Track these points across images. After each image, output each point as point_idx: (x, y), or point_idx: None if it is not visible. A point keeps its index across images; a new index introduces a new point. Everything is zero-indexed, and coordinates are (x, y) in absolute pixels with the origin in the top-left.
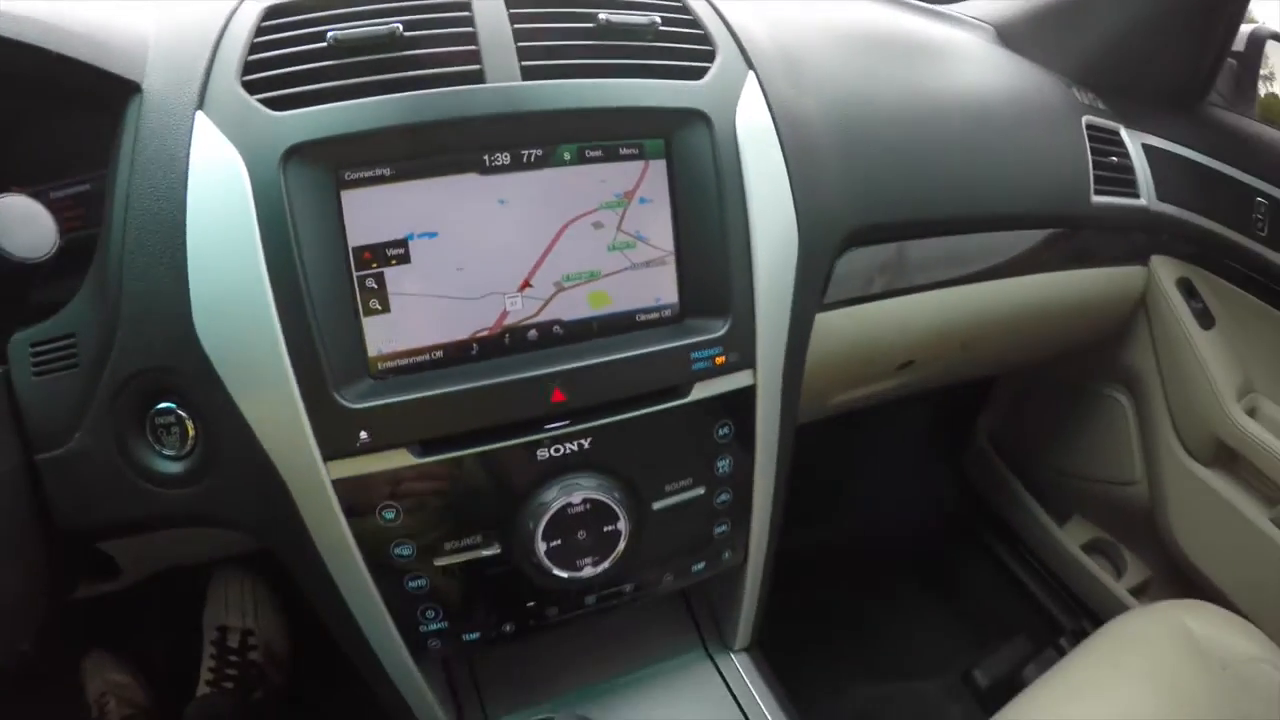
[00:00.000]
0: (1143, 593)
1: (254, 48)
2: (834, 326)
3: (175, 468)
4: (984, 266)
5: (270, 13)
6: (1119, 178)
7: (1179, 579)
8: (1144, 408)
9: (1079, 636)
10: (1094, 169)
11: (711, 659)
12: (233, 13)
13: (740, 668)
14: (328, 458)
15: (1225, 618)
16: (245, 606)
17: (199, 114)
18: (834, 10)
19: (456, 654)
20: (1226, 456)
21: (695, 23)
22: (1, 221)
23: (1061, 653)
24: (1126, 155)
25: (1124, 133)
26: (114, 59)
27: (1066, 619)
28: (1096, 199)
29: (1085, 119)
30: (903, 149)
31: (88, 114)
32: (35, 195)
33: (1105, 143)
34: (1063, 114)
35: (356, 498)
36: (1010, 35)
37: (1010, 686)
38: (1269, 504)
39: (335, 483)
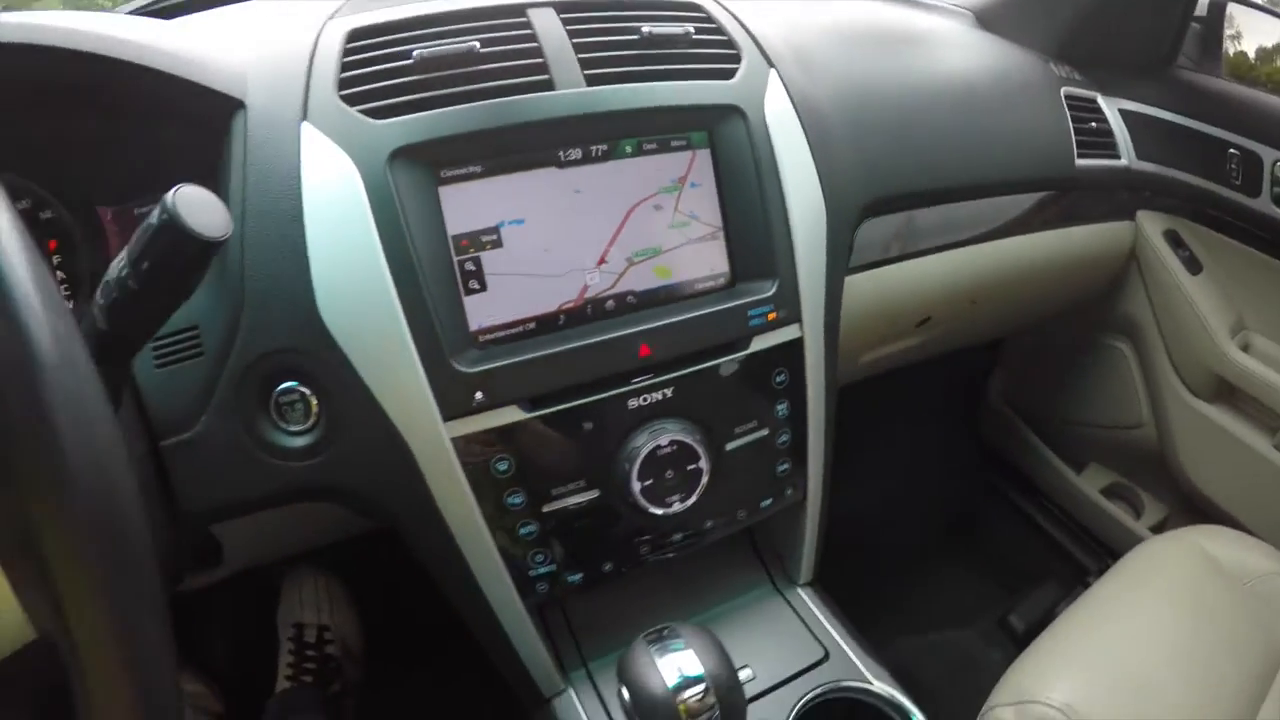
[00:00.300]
0: (1162, 529)
1: (345, 66)
2: (859, 289)
3: (300, 441)
4: (985, 229)
5: (353, 35)
6: (1099, 141)
7: (1194, 512)
8: (1144, 353)
9: None
10: (1075, 135)
11: (780, 593)
12: (319, 36)
13: (807, 599)
14: (447, 418)
15: (1240, 539)
16: (320, 603)
17: (305, 124)
18: (831, 11)
19: (560, 596)
20: (1226, 391)
21: (720, 30)
22: (189, 206)
23: None
24: (1105, 120)
25: (1101, 100)
26: (219, 79)
27: (1091, 561)
28: (1080, 162)
29: (1064, 90)
30: (904, 129)
31: (178, 135)
32: (119, 214)
33: (1084, 110)
34: (1043, 87)
35: (473, 453)
36: (988, 19)
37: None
38: (1270, 432)
39: (454, 440)
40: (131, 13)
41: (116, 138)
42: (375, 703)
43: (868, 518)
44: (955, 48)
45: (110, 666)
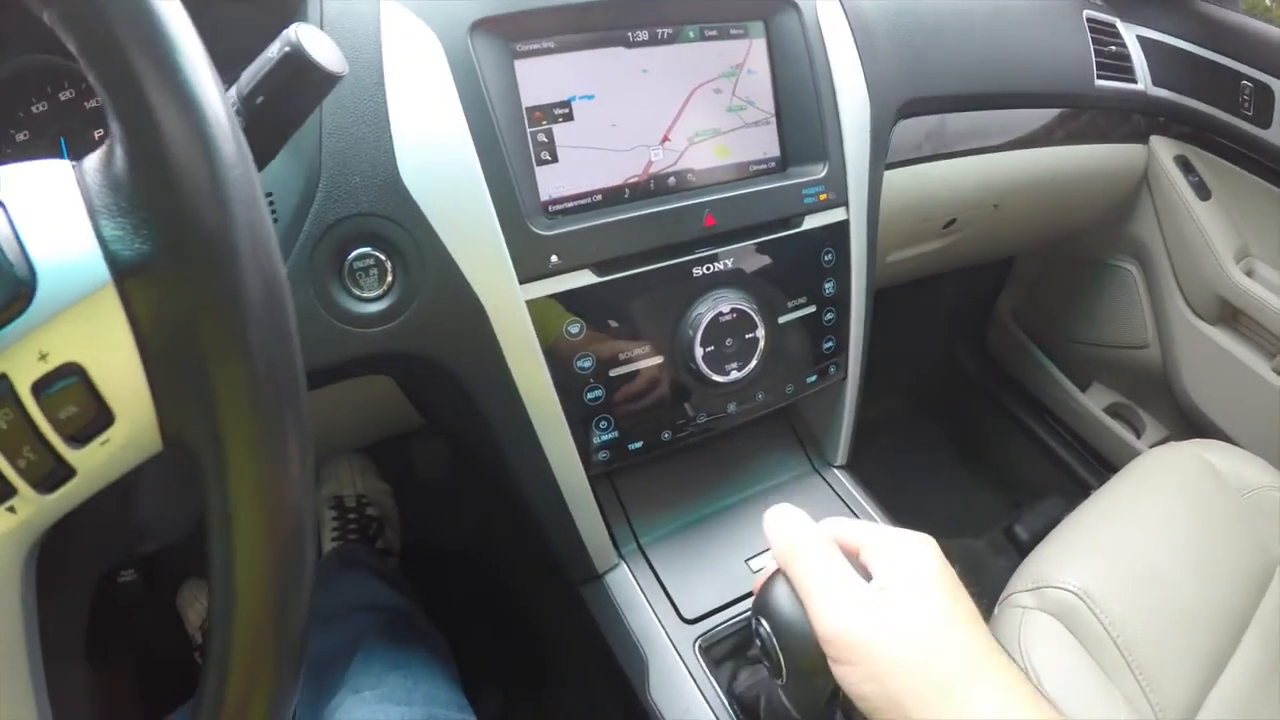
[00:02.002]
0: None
1: None
2: (894, 184)
3: (373, 308)
4: (1009, 138)
5: None
6: (1118, 65)
7: (1193, 433)
8: (1152, 275)
9: None
10: (1095, 56)
11: (819, 473)
12: None
13: (844, 479)
14: (523, 280)
15: (1240, 453)
16: (355, 479)
17: None
18: None
19: (620, 465)
20: (1229, 314)
21: None
22: (310, 42)
23: None
24: (1123, 45)
25: (1120, 25)
26: None
27: (1094, 477)
28: (1099, 83)
29: (1086, 13)
30: (940, 36)
31: (238, 18)
32: None
33: (1104, 33)
34: (1066, 8)
35: (546, 315)
36: None
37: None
38: (1269, 355)
39: (529, 303)
40: None
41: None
42: (418, 568)
43: (877, 428)
44: None
45: (254, 472)
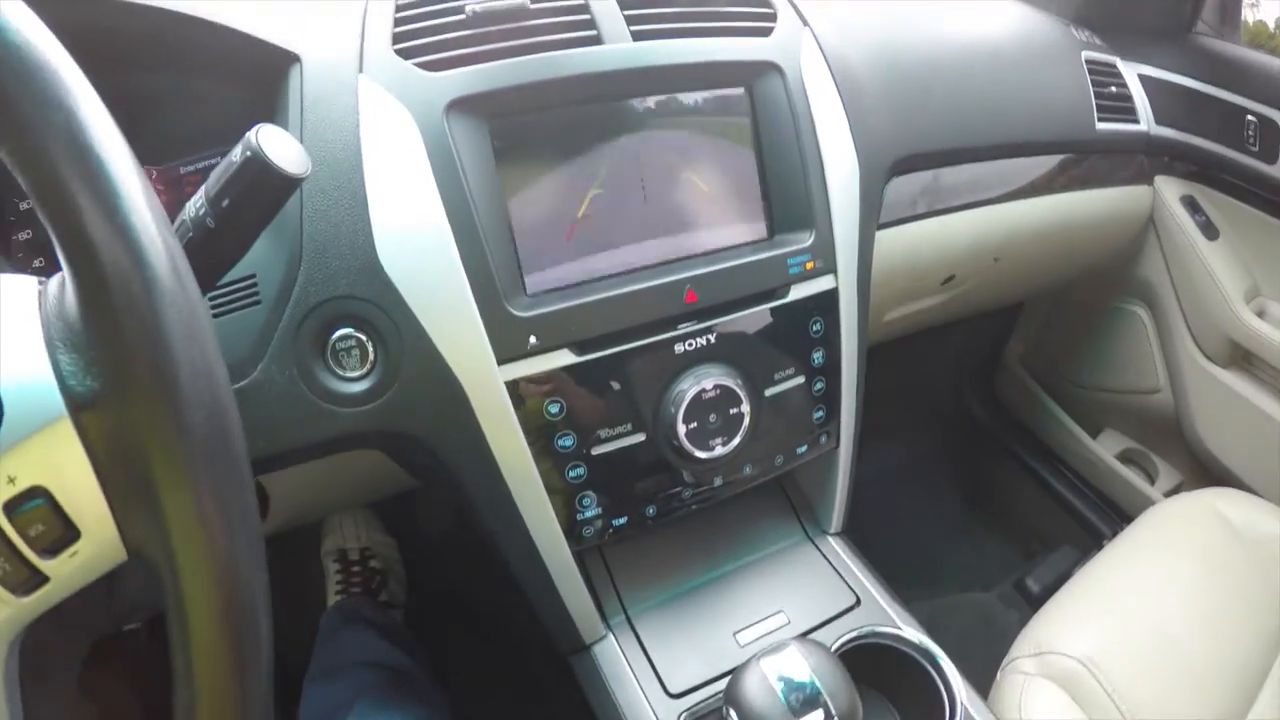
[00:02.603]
0: (1175, 495)
1: (398, 21)
2: (887, 244)
3: (356, 387)
4: (1008, 189)
5: None
6: (1119, 105)
7: (1207, 478)
8: (1161, 318)
9: None
10: (1095, 99)
11: (811, 541)
12: None
13: (838, 548)
14: (501, 361)
15: (1254, 502)
16: (359, 532)
17: (361, 78)
18: None
19: (604, 541)
20: (1241, 357)
21: None
22: (271, 144)
23: None
24: (1124, 85)
25: (1120, 64)
26: (274, 32)
27: (1106, 526)
28: (1100, 125)
29: (1084, 54)
30: (932, 89)
31: (226, 91)
32: (165, 173)
33: (1104, 74)
34: (1064, 51)
35: (526, 395)
36: None
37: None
38: None
39: (508, 383)
40: None
41: (165, 94)
42: (424, 621)
43: (886, 480)
44: (981, 11)
45: (208, 583)
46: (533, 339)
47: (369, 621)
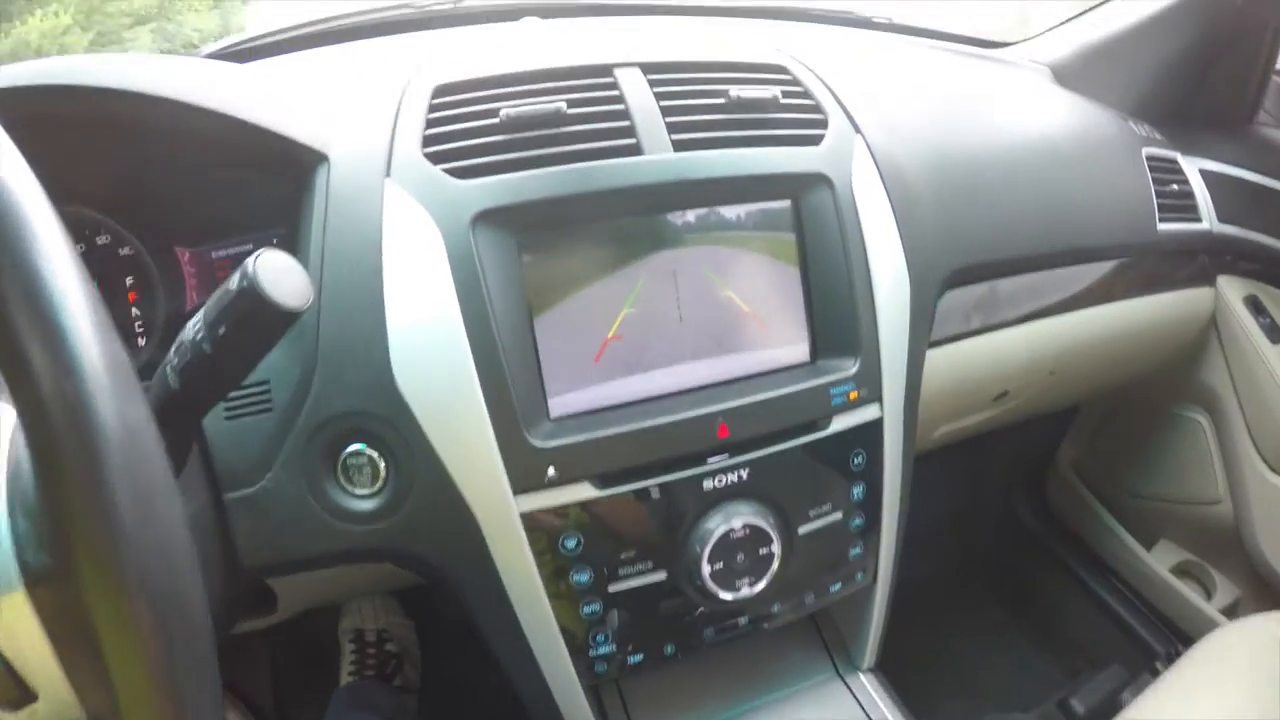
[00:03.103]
0: (1233, 612)
1: (430, 123)
2: (938, 363)
3: (365, 505)
4: (1065, 298)
5: (440, 91)
6: (1181, 204)
7: (1267, 594)
8: (1223, 425)
9: (1173, 660)
10: (1157, 198)
11: (842, 678)
12: (404, 91)
13: (869, 687)
14: (517, 492)
15: None
16: (377, 614)
17: (388, 181)
18: (910, 66)
19: (619, 676)
20: None
21: (807, 94)
22: (269, 273)
23: (1157, 676)
24: (1186, 182)
25: (1181, 160)
26: (303, 131)
27: (1159, 643)
28: (1162, 226)
29: (1145, 150)
30: (988, 193)
31: (259, 181)
32: (197, 256)
33: (1165, 171)
34: (1124, 147)
35: (542, 528)
36: (1066, 75)
37: (1108, 713)
38: None
39: (524, 515)
40: (210, 55)
41: (199, 181)
42: (438, 707)
43: (927, 587)
44: (1036, 107)
45: None
46: (551, 470)
47: (378, 706)
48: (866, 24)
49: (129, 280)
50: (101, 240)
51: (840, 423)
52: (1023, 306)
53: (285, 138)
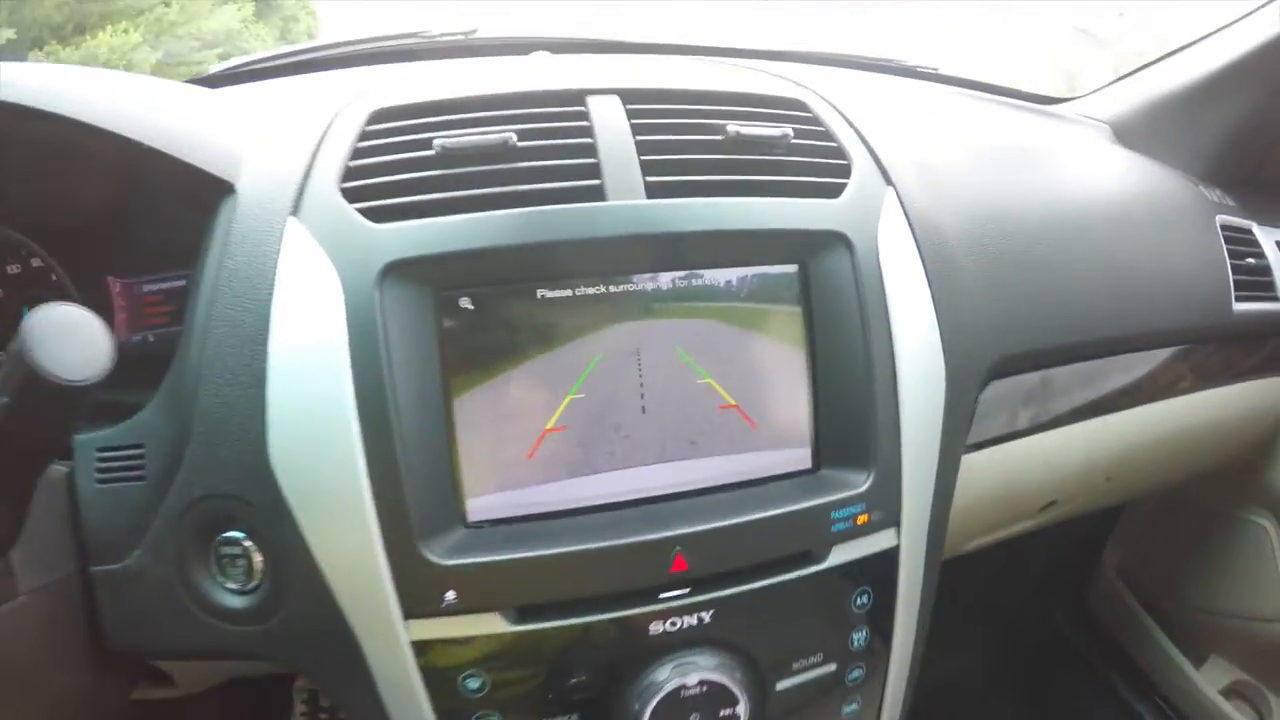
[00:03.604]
0: None
1: (356, 153)
2: (977, 470)
3: (238, 602)
4: (1128, 391)
5: (376, 117)
6: (1258, 281)
7: None
8: None
9: None
10: (1233, 274)
11: None
12: (336, 115)
13: None
14: (409, 616)
15: None
16: None
17: (291, 220)
18: (956, 116)
19: None
20: None
21: (828, 135)
22: (39, 334)
23: None
24: (1263, 255)
25: (1257, 230)
26: (209, 157)
27: None
28: (1238, 306)
29: (1219, 219)
30: (1044, 265)
31: (183, 212)
32: (128, 287)
33: (1241, 244)
34: (1196, 215)
35: (438, 663)
36: (1126, 134)
37: None
38: None
39: (415, 644)
40: (213, 75)
41: (128, 210)
42: None
43: (945, 694)
44: (1099, 167)
45: None
46: (451, 595)
47: None
48: (909, 73)
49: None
50: (36, 264)
51: (842, 554)
52: (1079, 401)
53: (186, 164)
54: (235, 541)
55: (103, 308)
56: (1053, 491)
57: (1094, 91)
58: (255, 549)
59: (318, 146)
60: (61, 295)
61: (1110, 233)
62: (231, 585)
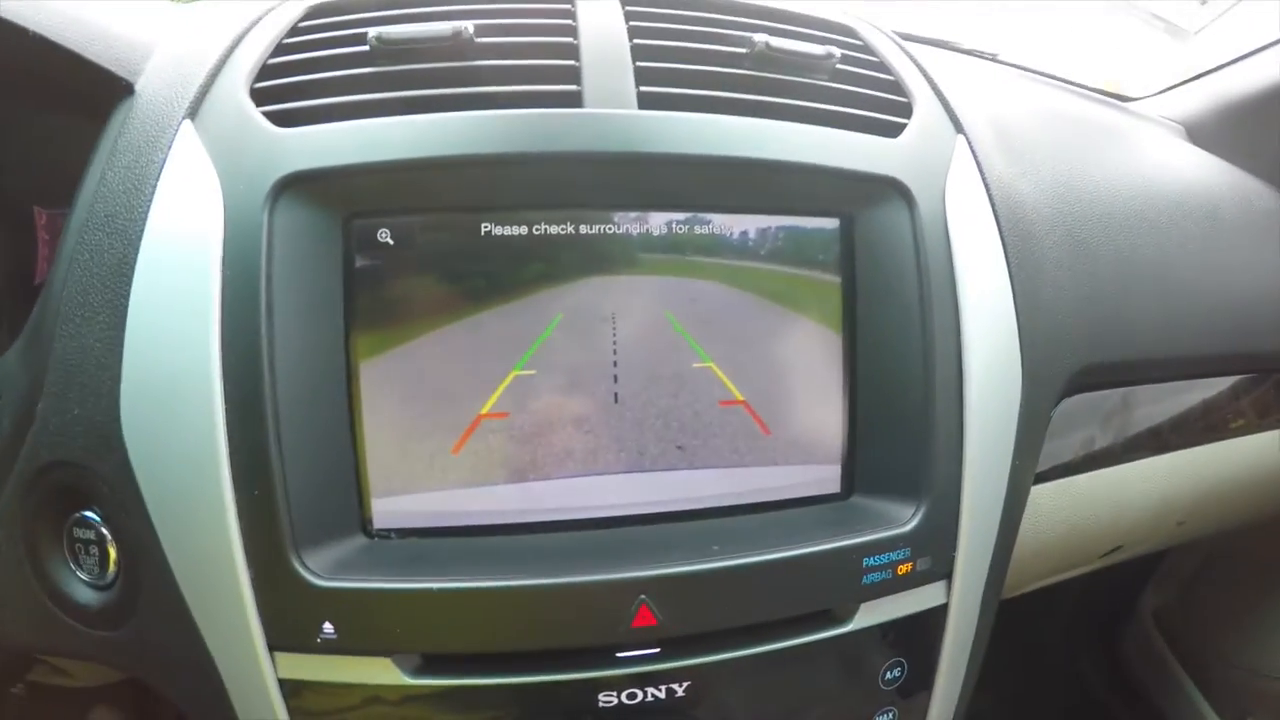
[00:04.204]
0: None
1: (278, 49)
2: (1041, 508)
3: (91, 598)
4: (1217, 422)
5: (312, 12)
6: None
7: None
8: None
9: None
10: None
11: None
12: (267, 12)
13: None
14: (275, 647)
15: None
16: None
17: (185, 125)
18: (1027, 85)
19: None
20: None
21: (883, 66)
22: None
23: None
24: None
25: None
26: (111, 52)
27: None
28: None
29: None
30: (1138, 261)
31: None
32: (53, 219)
33: None
34: None
35: (314, 710)
36: (1202, 135)
37: None
38: None
39: (283, 683)
40: None
41: (55, 133)
42: None
43: None
44: (1183, 163)
45: None
46: (327, 627)
47: None
48: (969, 55)
49: None
50: None
51: (874, 614)
52: (1161, 428)
53: (83, 59)
54: (90, 524)
55: (30, 240)
56: (1121, 535)
57: (1166, 89)
58: (110, 535)
59: (235, 43)
60: None
61: (1204, 235)
62: (83, 576)
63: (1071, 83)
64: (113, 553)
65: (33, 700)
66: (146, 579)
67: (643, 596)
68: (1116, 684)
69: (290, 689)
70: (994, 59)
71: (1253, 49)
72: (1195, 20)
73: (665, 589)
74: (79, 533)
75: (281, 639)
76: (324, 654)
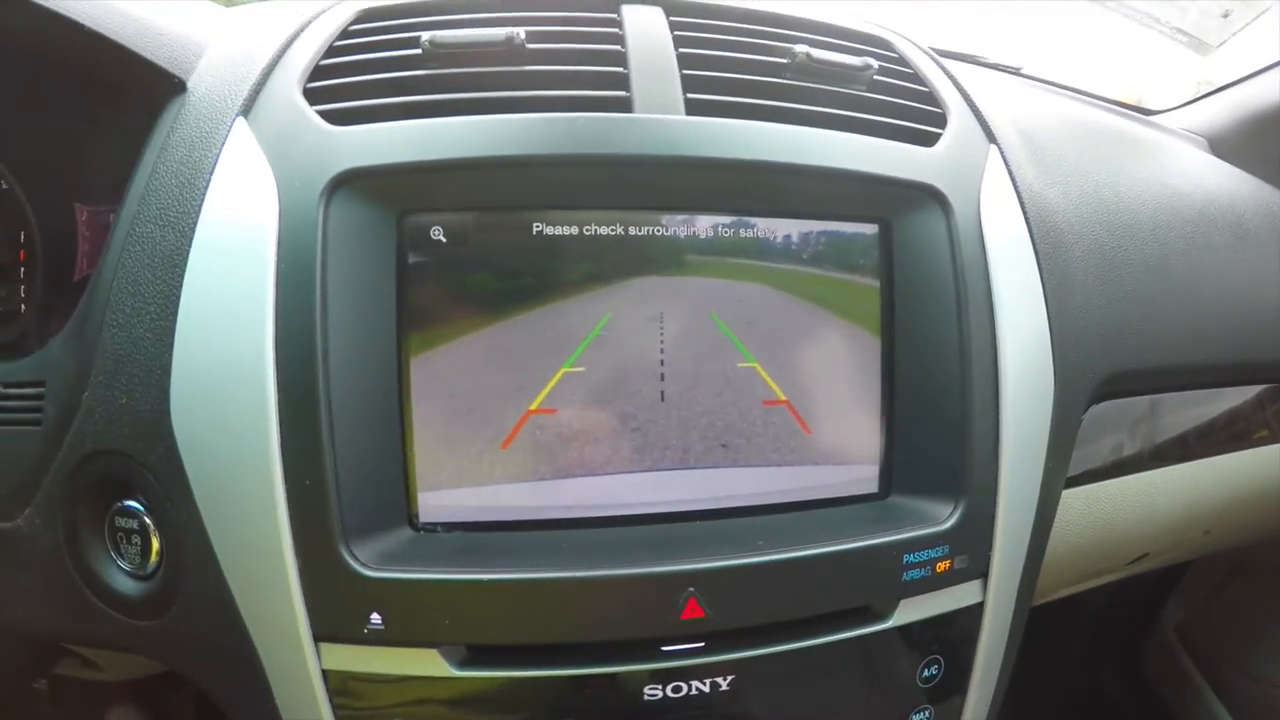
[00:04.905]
0: None
1: (331, 51)
2: (1071, 513)
3: (131, 588)
4: (1243, 430)
5: (364, 15)
6: None
7: None
8: None
9: None
10: None
11: None
12: (318, 15)
13: None
14: (321, 638)
15: None
16: None
17: (239, 122)
18: (1053, 98)
19: None
20: None
21: (918, 77)
22: None
23: None
24: None
25: None
26: (165, 50)
27: None
28: None
29: None
30: (1165, 271)
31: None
32: (94, 216)
33: None
34: None
35: (356, 702)
36: (1224, 148)
37: None
38: None
39: (328, 674)
40: None
41: (96, 128)
42: None
43: None
44: (1209, 176)
45: None
46: (375, 618)
47: None
48: (995, 69)
49: (23, 235)
50: (5, 186)
51: (913, 611)
52: (1189, 436)
53: (136, 56)
54: (133, 514)
55: (71, 236)
56: (1149, 542)
57: (1188, 102)
58: (152, 525)
59: (289, 41)
60: (16, 220)
61: (1229, 245)
62: (125, 566)
63: (1096, 96)
64: (155, 542)
65: (54, 697)
66: (190, 569)
67: (691, 589)
68: (1138, 697)
69: (334, 680)
70: (1018, 73)
71: (1274, 62)
72: (1217, 34)
73: (713, 582)
74: (121, 522)
75: (328, 629)
76: (370, 645)
